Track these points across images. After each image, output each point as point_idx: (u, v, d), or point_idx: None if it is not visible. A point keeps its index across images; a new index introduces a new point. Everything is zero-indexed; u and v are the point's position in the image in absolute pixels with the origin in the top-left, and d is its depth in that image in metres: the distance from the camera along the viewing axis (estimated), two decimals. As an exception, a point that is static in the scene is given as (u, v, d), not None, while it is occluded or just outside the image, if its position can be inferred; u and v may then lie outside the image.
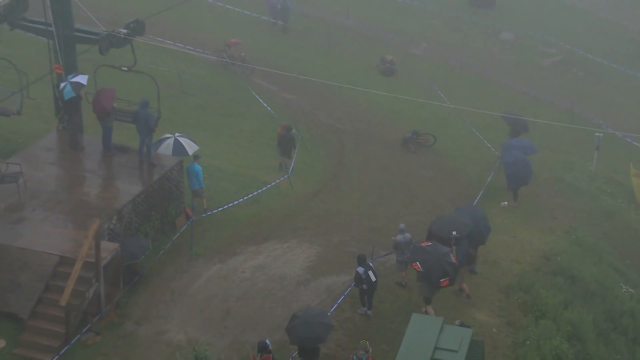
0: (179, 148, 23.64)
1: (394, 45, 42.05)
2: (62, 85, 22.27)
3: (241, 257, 22.23)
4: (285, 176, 27.28)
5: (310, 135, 32.55)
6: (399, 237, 21.00)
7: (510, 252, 23.98)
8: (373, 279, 19.46)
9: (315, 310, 18.11)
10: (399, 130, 32.89)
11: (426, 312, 19.84)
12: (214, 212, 23.91)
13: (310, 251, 22.77)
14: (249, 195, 25.41)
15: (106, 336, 18.97)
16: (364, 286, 19.50)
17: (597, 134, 31.19)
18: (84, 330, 18.88)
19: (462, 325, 17.98)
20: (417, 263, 19.27)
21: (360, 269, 19.46)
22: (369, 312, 19.85)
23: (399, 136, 32.73)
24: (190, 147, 23.95)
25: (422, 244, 19.96)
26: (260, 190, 25.97)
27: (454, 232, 20.72)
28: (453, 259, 19.61)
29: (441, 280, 19.11)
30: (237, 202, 24.81)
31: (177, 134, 24.20)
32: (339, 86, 32.20)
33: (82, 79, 22.16)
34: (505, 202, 27.60)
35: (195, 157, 24.14)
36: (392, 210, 27.01)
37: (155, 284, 20.87)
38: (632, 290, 23.99)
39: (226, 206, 24.37)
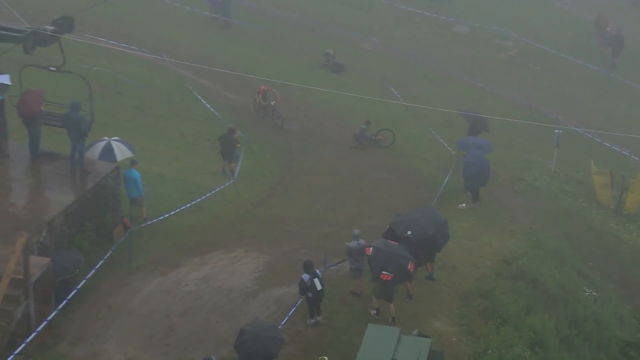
0: (107, 152, 23.41)
1: (343, 40, 42.27)
2: (-18, 87, 21.82)
3: (184, 269, 22.07)
4: (230, 181, 27.18)
5: (256, 136, 32.44)
6: (353, 244, 21.08)
7: (469, 257, 24.20)
8: (318, 287, 19.50)
9: (265, 324, 18.06)
10: (350, 130, 33.02)
11: (377, 312, 20.17)
12: (154, 221, 23.72)
13: (258, 261, 22.70)
14: (192, 203, 25.27)
15: (38, 359, 18.59)
16: (309, 294, 19.55)
17: (556, 130, 31.74)
18: (13, 354, 18.49)
19: (420, 335, 18.11)
20: (370, 249, 19.82)
21: (306, 276, 19.50)
22: (318, 318, 19.91)
23: (350, 136, 32.83)
24: (123, 152, 23.65)
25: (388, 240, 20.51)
26: (204, 197, 25.83)
27: (409, 232, 20.97)
28: (411, 267, 19.80)
29: (383, 272, 19.46)
30: (179, 210, 24.65)
31: (113, 138, 23.86)
32: (286, 84, 32.16)
33: (4, 79, 21.70)
34: (463, 204, 27.85)
35: (133, 162, 23.88)
36: (345, 215, 27.09)
37: (91, 300, 20.56)
38: (595, 294, 24.44)
39: (167, 215, 24.20)
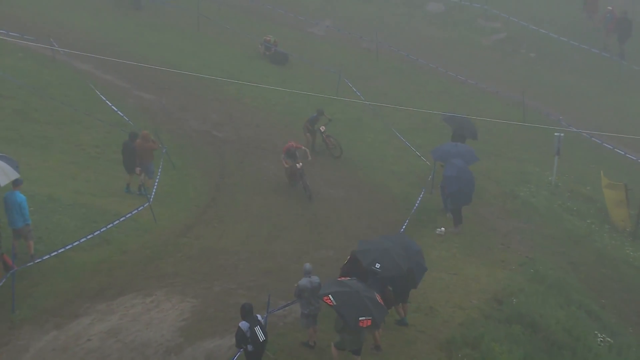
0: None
1: (287, 24, 42.41)
2: None
3: (86, 320, 21.73)
4: (145, 204, 26.94)
5: (178, 147, 32.19)
6: (304, 282, 20.95)
7: (451, 295, 24.19)
8: (261, 337, 19.31)
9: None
10: (298, 137, 33.01)
11: None
12: (45, 258, 23.34)
13: (183, 306, 22.46)
14: (95, 233, 24.98)
15: None
16: (249, 347, 19.34)
17: (556, 133, 32.11)
18: None
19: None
20: (330, 296, 19.55)
21: (244, 324, 19.30)
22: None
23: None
24: (6, 172, 23.23)
25: (339, 279, 20.38)
26: (111, 225, 25.55)
27: (377, 265, 20.97)
28: (379, 300, 19.86)
29: (360, 318, 19.36)
30: (78, 243, 24.33)
31: None
32: (215, 80, 32.12)
33: None
34: (442, 228, 27.96)
35: (16, 183, 23.48)
36: (293, 245, 26.97)
37: (-39, 365, 20.14)
38: (610, 340, 24.60)
39: (62, 249, 23.84)
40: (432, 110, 33.08)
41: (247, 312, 19.46)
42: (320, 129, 31.97)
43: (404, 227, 27.43)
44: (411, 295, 22.57)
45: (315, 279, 21.02)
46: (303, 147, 30.34)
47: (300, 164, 29.71)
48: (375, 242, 22.02)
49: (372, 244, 21.86)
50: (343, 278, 20.59)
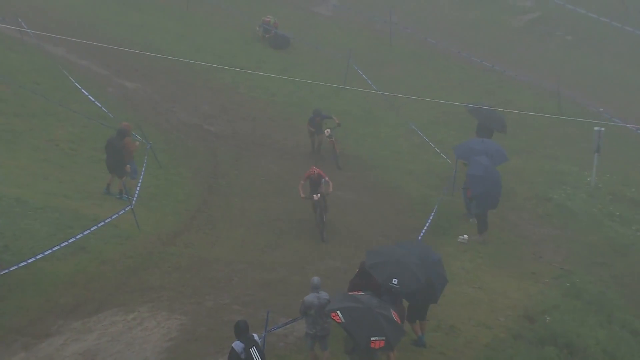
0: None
1: (289, 3, 42.37)
2: None
3: (58, 340, 21.71)
4: (127, 208, 26.93)
5: (165, 143, 32.20)
6: (311, 298, 20.86)
7: (476, 312, 24.21)
8: (257, 359, 19.33)
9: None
10: (301, 132, 32.99)
11: None
12: (11, 269, 23.32)
13: (169, 324, 22.42)
14: (70, 240, 24.95)
15: None
16: (243, 372, 19.37)
17: (596, 128, 32.04)
18: None
19: None
20: (338, 312, 19.46)
21: (238, 345, 19.26)
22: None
23: (302, 141, 32.83)
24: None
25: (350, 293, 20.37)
26: (88, 232, 25.51)
27: (394, 281, 20.89)
28: (395, 317, 19.81)
29: (372, 338, 19.29)
30: (50, 251, 24.31)
31: None
32: (206, 66, 32.14)
33: None
34: (465, 236, 28.00)
35: (-21, 183, 23.58)
36: (296, 254, 26.98)
37: None
38: (657, 363, 24.64)
39: (32, 259, 23.82)
40: (454, 102, 33.00)
41: (241, 331, 19.42)
42: (325, 132, 31.71)
43: (421, 234, 27.46)
44: (430, 311, 22.55)
45: (323, 295, 20.90)
46: (326, 178, 28.19)
47: (319, 195, 28.07)
48: (387, 252, 21.84)
49: (384, 255, 21.65)
50: (354, 293, 20.53)
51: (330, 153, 31.77)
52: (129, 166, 28.45)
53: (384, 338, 19.45)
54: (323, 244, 27.59)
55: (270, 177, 31.27)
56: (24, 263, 23.60)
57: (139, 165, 29.27)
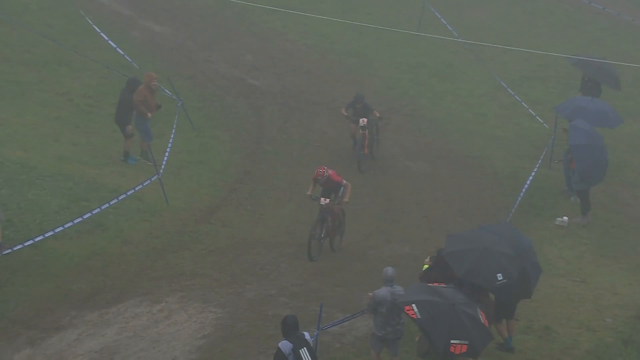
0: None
1: None
2: None
3: (71, 334, 21.95)
4: (153, 178, 27.06)
5: (200, 99, 32.37)
6: (383, 292, 20.83)
7: (576, 311, 24.20)
8: (307, 363, 19.41)
9: None
10: (368, 91, 32.98)
11: None
12: (16, 248, 23.61)
13: (203, 317, 22.62)
14: (86, 216, 25.19)
15: None
16: (292, 376, 19.46)
17: None
18: None
19: None
20: (413, 306, 19.47)
21: (286, 346, 19.32)
22: None
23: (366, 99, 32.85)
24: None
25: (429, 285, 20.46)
26: (107, 206, 25.75)
27: (499, 276, 20.81)
28: (483, 319, 19.85)
29: (453, 342, 19.30)
30: (61, 228, 24.55)
31: None
32: (251, 7, 32.16)
33: None
34: (565, 218, 28.01)
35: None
36: (355, 236, 27.10)
37: None
38: None
39: (41, 237, 24.07)
40: (554, 53, 32.79)
41: (290, 328, 19.48)
42: (360, 121, 30.18)
43: (510, 214, 27.46)
44: (519, 309, 22.51)
45: (398, 289, 20.86)
46: (344, 181, 26.39)
47: (327, 201, 26.17)
48: (472, 239, 21.74)
49: (468, 242, 21.53)
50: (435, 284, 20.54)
51: (358, 148, 30.19)
52: (130, 126, 28.55)
53: (467, 342, 19.39)
54: (387, 224, 27.58)
55: (325, 143, 31.45)
56: (31, 242, 23.89)
57: (169, 127, 29.37)
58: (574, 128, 28.20)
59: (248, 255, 25.57)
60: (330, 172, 26.10)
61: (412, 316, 19.51)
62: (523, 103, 33.67)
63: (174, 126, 29.63)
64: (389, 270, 20.97)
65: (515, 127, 33.08)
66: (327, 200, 25.91)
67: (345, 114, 29.93)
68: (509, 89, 34.33)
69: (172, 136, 29.18)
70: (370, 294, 20.97)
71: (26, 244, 23.78)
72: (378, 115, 29.93)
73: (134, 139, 28.77)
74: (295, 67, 34.99)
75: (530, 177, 29.36)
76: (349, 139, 31.02)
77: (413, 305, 19.55)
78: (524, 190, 28.77)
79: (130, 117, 28.50)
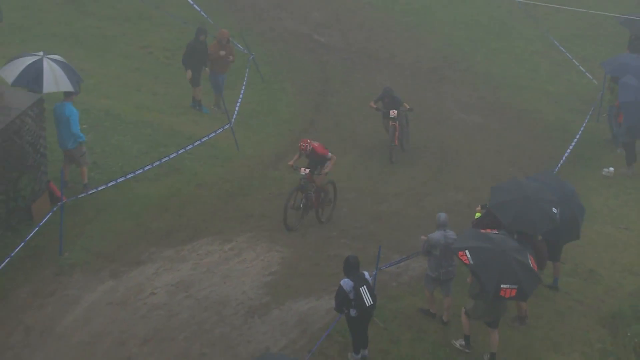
0: (31, 75, 23.41)
1: None
2: None
3: (150, 268, 22.09)
4: (225, 126, 27.09)
5: (269, 54, 32.23)
6: (437, 236, 20.83)
7: (620, 255, 23.97)
8: (368, 301, 19.36)
9: (280, 359, 17.82)
10: (426, 48, 32.70)
11: (465, 344, 20.31)
12: (100, 189, 23.66)
13: (270, 257, 22.66)
14: (164, 160, 25.28)
15: None
16: (353, 312, 19.43)
17: None
18: None
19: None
20: (466, 252, 19.44)
21: (347, 283, 19.37)
22: (365, 352, 19.90)
23: (424, 55, 32.54)
24: (57, 81, 23.64)
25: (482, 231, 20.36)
26: (183, 151, 25.79)
27: (555, 210, 20.74)
28: (532, 264, 19.72)
29: (503, 286, 19.25)
30: (142, 170, 24.64)
31: (51, 55, 23.98)
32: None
33: None
34: (611, 169, 27.80)
35: (69, 93, 23.85)
36: (412, 183, 27.00)
37: (-1, 316, 20.59)
38: None
39: (122, 179, 24.16)
40: (604, 12, 32.38)
41: (351, 268, 19.54)
42: (391, 112, 28.67)
43: (559, 165, 27.18)
44: (565, 253, 22.38)
45: (450, 233, 20.95)
46: (329, 154, 24.62)
47: (307, 171, 24.44)
48: (514, 189, 21.52)
49: (510, 192, 21.33)
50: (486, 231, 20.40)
51: (390, 139, 28.74)
52: (189, 71, 28.50)
53: (516, 287, 19.28)
54: (442, 173, 27.39)
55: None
56: (113, 183, 24.00)
57: (240, 79, 29.36)
58: (623, 85, 27.94)
59: (312, 199, 25.61)
60: (315, 144, 24.35)
61: (465, 261, 19.41)
62: (573, 60, 33.43)
63: (245, 79, 29.79)
64: (442, 215, 20.96)
65: (565, 83, 32.78)
66: (307, 170, 24.30)
67: (375, 106, 28.49)
68: (560, 47, 34.06)
69: (243, 88, 29.34)
70: (424, 237, 20.97)
71: (109, 184, 23.88)
72: (408, 107, 28.37)
73: (201, 88, 28.84)
74: (358, 24, 34.84)
75: (581, 130, 29.13)
76: (407, 92, 30.83)
77: (466, 251, 19.47)
78: (573, 142, 28.50)
79: (192, 62, 28.52)
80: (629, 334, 21.57)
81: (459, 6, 35.14)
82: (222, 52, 28.58)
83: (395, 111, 27.95)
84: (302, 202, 24.16)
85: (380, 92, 28.69)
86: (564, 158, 27.65)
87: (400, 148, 28.31)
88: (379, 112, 28.39)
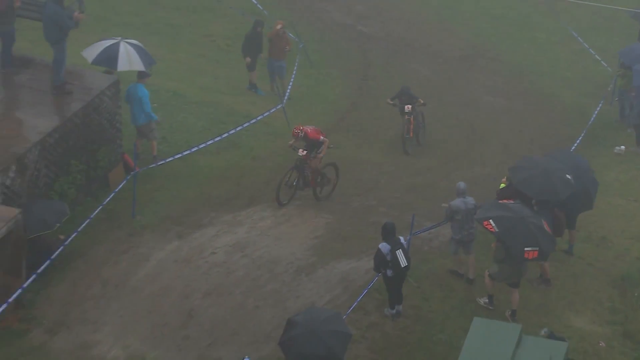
0: (108, 56, 23.76)
1: None
2: None
3: (211, 231, 22.49)
4: (278, 106, 27.30)
5: (318, 42, 32.39)
6: (457, 203, 21.07)
7: (629, 224, 24.02)
8: (403, 262, 19.63)
9: (324, 312, 17.97)
10: (458, 38, 32.70)
11: (489, 302, 20.44)
12: (168, 160, 24.13)
13: (316, 222, 22.99)
14: (224, 136, 25.66)
15: (3, 350, 19.08)
16: (389, 272, 19.70)
17: None
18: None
19: (551, 336, 18.11)
20: (491, 221, 19.64)
21: (385, 246, 19.63)
22: (400, 307, 20.19)
23: (456, 44, 32.57)
24: (131, 61, 23.97)
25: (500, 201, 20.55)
26: (240, 128, 26.17)
27: (568, 176, 20.77)
28: (546, 227, 19.97)
29: (526, 249, 19.43)
30: (204, 145, 25.01)
31: (128, 40, 24.42)
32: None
33: None
34: (622, 147, 27.75)
35: (141, 75, 24.19)
36: (443, 159, 27.28)
37: (79, 271, 21.04)
38: None
39: (187, 152, 24.58)
40: (618, 6, 32.21)
41: (388, 233, 19.77)
42: (405, 107, 28.05)
43: (576, 143, 27.26)
44: (580, 222, 22.55)
45: (470, 200, 21.12)
46: (322, 138, 23.92)
47: (304, 153, 23.83)
48: (531, 165, 21.60)
49: (528, 169, 21.35)
50: (504, 201, 20.63)
51: (404, 132, 28.00)
52: (248, 58, 28.82)
53: (537, 248, 19.50)
54: (471, 150, 27.45)
55: (420, 81, 31.30)
56: (180, 155, 24.40)
57: (291, 64, 29.64)
58: (638, 72, 27.89)
59: (354, 172, 25.88)
60: (308, 129, 23.63)
61: (491, 230, 19.70)
62: (590, 49, 33.34)
63: (296, 64, 30.08)
64: (461, 184, 21.25)
65: (582, 70, 32.81)
66: (305, 152, 23.67)
67: (391, 102, 28.09)
68: (578, 37, 34.00)
69: (294, 72, 29.64)
70: (445, 204, 21.12)
71: (176, 156, 24.37)
72: (422, 102, 27.94)
73: (256, 73, 29.17)
74: (397, 16, 34.94)
75: (595, 112, 29.17)
76: (440, 78, 30.90)
77: (490, 220, 19.70)
78: (589, 123, 28.59)
79: (249, 50, 28.82)
80: (636, 294, 21.71)
81: (488, 1, 35.09)
82: (288, 48, 29.04)
83: (410, 106, 27.59)
84: (295, 181, 23.72)
85: (399, 89, 28.15)
86: (580, 137, 27.69)
87: (415, 140, 27.88)
88: (395, 108, 28.00)
